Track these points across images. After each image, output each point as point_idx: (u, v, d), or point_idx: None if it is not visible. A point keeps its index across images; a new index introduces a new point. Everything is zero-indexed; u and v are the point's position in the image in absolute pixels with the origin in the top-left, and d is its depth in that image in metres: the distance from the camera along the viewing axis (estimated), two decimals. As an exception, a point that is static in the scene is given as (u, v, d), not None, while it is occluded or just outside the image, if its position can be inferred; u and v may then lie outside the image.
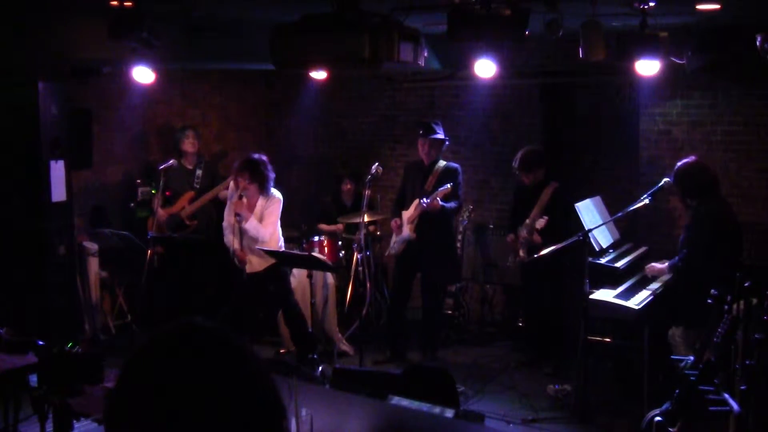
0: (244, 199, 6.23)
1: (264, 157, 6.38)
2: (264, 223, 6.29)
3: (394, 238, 6.98)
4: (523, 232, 6.59)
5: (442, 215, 6.65)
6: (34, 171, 6.46)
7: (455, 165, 6.89)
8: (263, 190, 6.32)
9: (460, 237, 7.59)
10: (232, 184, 6.50)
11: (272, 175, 6.35)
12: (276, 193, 6.41)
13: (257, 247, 6.32)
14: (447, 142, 6.91)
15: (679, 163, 5.75)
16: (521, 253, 6.59)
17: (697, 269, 5.50)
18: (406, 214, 6.83)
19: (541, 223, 6.39)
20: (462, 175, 6.88)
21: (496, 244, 7.86)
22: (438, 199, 6.48)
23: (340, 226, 7.71)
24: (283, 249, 6.52)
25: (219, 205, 7.62)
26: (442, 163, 6.85)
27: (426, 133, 6.79)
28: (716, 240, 5.49)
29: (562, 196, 6.49)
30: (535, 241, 6.43)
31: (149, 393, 1.15)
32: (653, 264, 5.96)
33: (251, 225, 6.22)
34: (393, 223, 6.93)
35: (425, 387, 3.76)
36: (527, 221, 6.59)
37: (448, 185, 6.49)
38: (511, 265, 6.91)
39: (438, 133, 6.79)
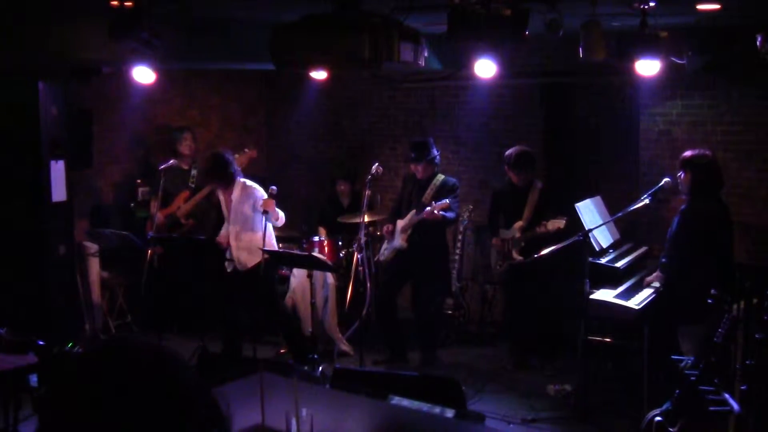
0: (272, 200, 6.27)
1: (218, 152, 6.48)
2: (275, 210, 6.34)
3: (385, 245, 6.98)
4: (516, 234, 6.59)
5: (436, 227, 6.65)
6: (34, 171, 6.46)
7: (453, 180, 6.86)
8: (230, 183, 6.39)
9: (460, 237, 7.59)
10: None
11: (231, 160, 6.39)
12: (250, 183, 6.48)
13: (259, 247, 6.33)
14: (438, 159, 6.85)
15: (693, 152, 5.66)
16: (514, 254, 6.58)
17: (678, 265, 5.50)
18: (401, 223, 6.83)
19: (558, 224, 6.22)
20: (459, 189, 6.87)
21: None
22: (437, 210, 6.44)
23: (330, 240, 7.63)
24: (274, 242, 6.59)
25: (217, 203, 7.62)
26: (440, 177, 6.81)
27: (418, 158, 6.70)
28: (698, 239, 5.46)
29: (550, 197, 6.50)
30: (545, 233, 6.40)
31: (78, 420, 1.13)
32: (648, 278, 5.95)
33: (281, 220, 6.38)
34: (384, 229, 6.94)
35: (432, 396, 3.74)
36: (520, 223, 6.59)
37: (446, 200, 6.47)
38: (499, 269, 6.86)
39: (430, 155, 6.73)
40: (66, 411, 1.14)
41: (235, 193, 6.41)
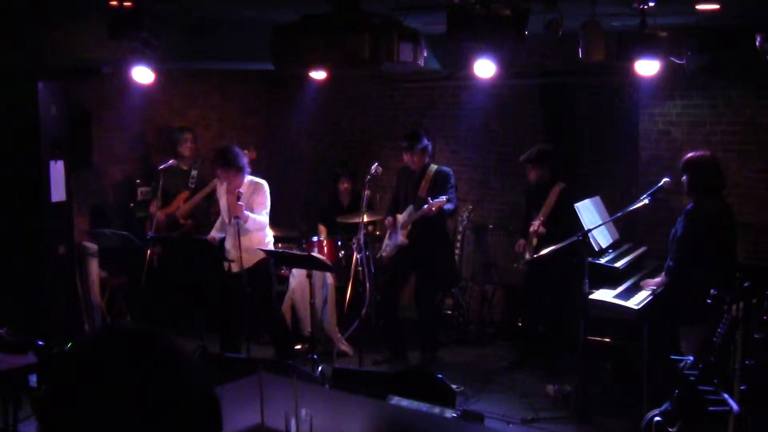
0: (240, 201, 6.21)
1: (228, 144, 6.54)
2: (256, 212, 6.33)
3: (386, 241, 6.99)
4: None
5: (436, 219, 6.65)
6: (34, 171, 6.46)
7: (447, 169, 6.85)
8: (242, 172, 6.38)
9: (459, 237, 7.59)
10: (218, 185, 6.58)
11: (242, 154, 6.43)
12: (260, 180, 6.47)
13: (258, 247, 6.33)
14: (430, 148, 6.88)
15: (692, 154, 5.70)
16: (527, 254, 6.60)
17: (686, 268, 5.49)
18: (399, 219, 6.83)
19: (536, 224, 6.39)
20: (454, 178, 6.86)
21: (495, 244, 7.87)
22: (435, 207, 6.43)
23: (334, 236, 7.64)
24: (271, 246, 6.58)
25: (217, 204, 7.63)
26: (433, 167, 6.82)
27: (411, 146, 6.74)
28: (704, 240, 5.46)
29: (568, 197, 6.48)
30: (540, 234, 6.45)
31: (75, 399, 1.14)
32: (648, 280, 5.94)
33: (251, 223, 6.24)
34: (387, 221, 6.92)
35: (415, 391, 3.74)
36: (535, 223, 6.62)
37: (443, 198, 6.47)
38: (521, 267, 6.89)
39: (421, 143, 6.75)
40: (65, 409, 1.15)
41: (243, 189, 6.40)
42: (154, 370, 1.17)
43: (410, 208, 6.74)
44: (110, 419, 1.12)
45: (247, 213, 6.21)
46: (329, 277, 7.06)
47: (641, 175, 7.05)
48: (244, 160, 6.43)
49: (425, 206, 6.46)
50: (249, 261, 6.38)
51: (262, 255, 6.37)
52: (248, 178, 6.42)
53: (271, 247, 6.59)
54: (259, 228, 6.37)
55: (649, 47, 5.03)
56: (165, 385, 1.16)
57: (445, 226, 7.02)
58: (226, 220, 6.47)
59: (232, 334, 6.59)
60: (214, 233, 6.65)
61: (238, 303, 6.46)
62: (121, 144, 8.12)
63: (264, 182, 6.47)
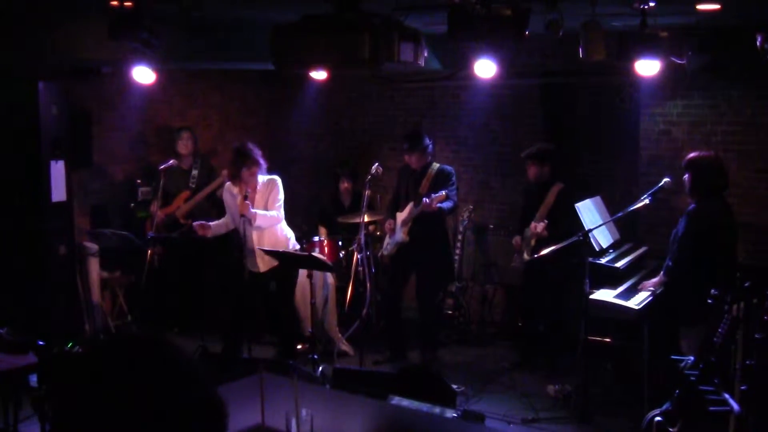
0: (248, 201, 6.20)
1: (243, 142, 6.48)
2: (270, 208, 6.33)
3: (387, 240, 7.01)
4: (529, 233, 6.62)
5: (436, 216, 6.66)
6: (34, 171, 6.46)
7: (449, 168, 6.87)
8: (259, 167, 6.35)
9: (460, 237, 7.59)
10: (225, 190, 6.53)
11: (257, 151, 6.38)
12: (274, 176, 6.46)
13: (259, 247, 6.32)
14: (431, 147, 6.89)
15: (695, 153, 5.68)
16: (525, 254, 6.60)
17: (685, 267, 5.49)
18: (400, 216, 6.84)
19: (540, 227, 6.40)
20: (455, 176, 6.88)
21: (496, 244, 7.87)
22: (434, 202, 6.45)
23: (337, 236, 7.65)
24: (294, 241, 6.58)
25: (217, 204, 7.63)
26: (435, 165, 6.85)
27: (411, 148, 6.76)
28: (706, 240, 5.45)
29: (567, 197, 6.48)
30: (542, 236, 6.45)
31: (76, 400, 1.15)
32: (645, 282, 5.93)
33: (261, 220, 6.24)
34: (386, 225, 6.95)
35: (416, 390, 3.74)
36: (534, 222, 6.61)
37: (443, 192, 6.49)
38: (516, 266, 6.90)
39: (422, 144, 6.77)
40: (66, 409, 1.15)
41: (259, 187, 6.39)
42: (154, 370, 1.17)
43: (411, 205, 6.76)
44: (111, 419, 1.12)
45: (254, 210, 6.20)
46: (330, 277, 7.06)
47: (641, 175, 7.05)
48: (260, 154, 6.41)
49: (425, 199, 6.47)
50: (273, 261, 6.37)
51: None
52: (260, 177, 6.41)
53: (293, 242, 6.59)
54: (272, 223, 6.36)
55: (649, 47, 5.03)
56: (165, 385, 1.16)
57: (444, 224, 7.03)
58: (236, 221, 6.40)
59: (233, 333, 6.59)
60: (212, 225, 6.60)
61: (257, 303, 6.45)
62: (122, 144, 8.12)
63: (277, 177, 6.47)
